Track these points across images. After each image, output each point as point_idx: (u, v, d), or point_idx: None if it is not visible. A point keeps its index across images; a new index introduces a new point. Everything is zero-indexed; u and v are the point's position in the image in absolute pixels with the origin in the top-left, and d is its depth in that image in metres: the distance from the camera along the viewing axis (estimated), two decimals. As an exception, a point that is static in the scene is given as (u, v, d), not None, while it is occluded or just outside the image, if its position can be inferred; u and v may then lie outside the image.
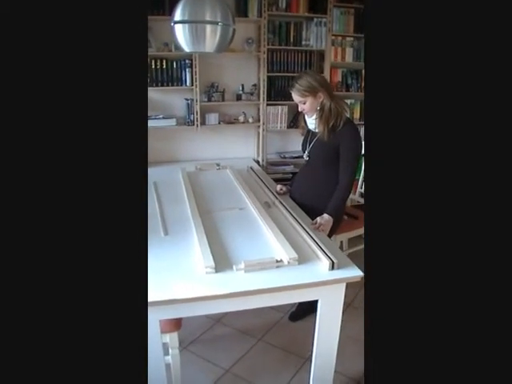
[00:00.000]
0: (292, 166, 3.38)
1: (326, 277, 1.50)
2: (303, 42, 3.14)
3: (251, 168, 2.92)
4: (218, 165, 2.97)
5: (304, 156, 2.22)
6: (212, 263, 1.51)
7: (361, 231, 2.56)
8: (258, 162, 3.35)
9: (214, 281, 1.45)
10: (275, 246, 1.70)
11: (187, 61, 2.96)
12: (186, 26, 1.56)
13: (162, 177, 2.77)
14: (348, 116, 2.08)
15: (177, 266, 1.55)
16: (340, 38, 3.16)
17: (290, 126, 3.36)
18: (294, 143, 3.44)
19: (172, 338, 1.70)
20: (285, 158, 3.41)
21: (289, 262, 1.56)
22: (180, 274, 1.49)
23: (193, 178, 2.68)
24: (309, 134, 2.21)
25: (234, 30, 1.66)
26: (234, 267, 1.51)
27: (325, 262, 1.55)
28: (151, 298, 1.25)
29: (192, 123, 3.12)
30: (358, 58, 3.24)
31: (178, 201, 2.26)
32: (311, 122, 2.13)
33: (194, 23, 1.55)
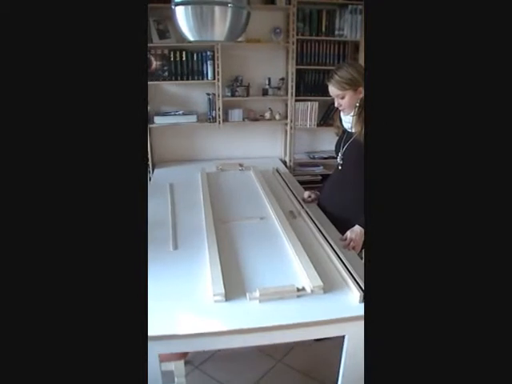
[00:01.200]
0: (322, 168, 3.13)
1: (355, 311, 1.26)
2: (336, 32, 2.86)
3: (277, 170, 2.69)
4: (240, 165, 2.76)
5: (338, 159, 1.95)
6: (222, 290, 1.29)
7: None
8: (284, 163, 3.12)
9: (223, 312, 1.24)
10: (297, 268, 1.47)
11: (209, 52, 2.74)
12: (190, 8, 1.27)
13: (179, 177, 2.58)
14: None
15: (182, 290, 1.35)
16: (378, 26, 2.85)
17: (320, 124, 3.10)
18: (325, 143, 3.19)
19: (177, 367, 1.51)
20: (314, 158, 3.15)
21: (312, 291, 1.33)
22: (185, 301, 1.29)
23: (212, 180, 2.49)
24: (344, 135, 1.94)
25: (249, 13, 1.35)
26: (248, 295, 1.29)
27: (355, 293, 1.31)
28: (149, 330, 1.05)
29: (214, 120, 2.92)
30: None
31: (194, 206, 2.07)
32: (347, 121, 1.86)
33: (199, 4, 1.25)
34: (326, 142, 3.22)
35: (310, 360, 2.01)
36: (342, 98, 1.77)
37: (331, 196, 2.00)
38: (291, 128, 3.05)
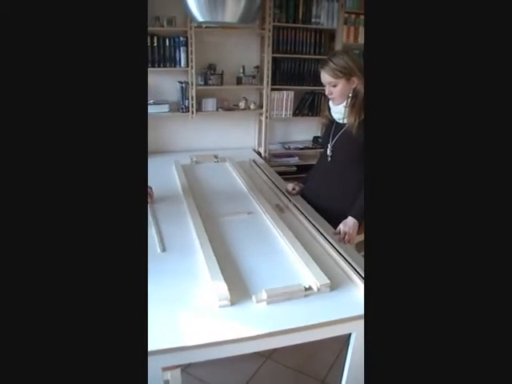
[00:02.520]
0: (297, 158, 3.08)
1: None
2: (313, 20, 2.81)
3: (254, 161, 2.62)
4: (216, 157, 2.66)
5: (327, 151, 1.90)
6: (227, 294, 1.21)
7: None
8: (259, 154, 3.04)
9: (230, 317, 1.17)
10: (300, 266, 1.41)
11: (182, 38, 2.60)
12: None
13: (152, 170, 2.42)
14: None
15: (181, 296, 1.25)
16: (353, 15, 2.83)
17: (295, 114, 3.04)
18: (300, 133, 3.15)
19: (173, 376, 1.42)
20: (289, 149, 3.10)
21: (319, 290, 1.28)
22: (186, 308, 1.20)
23: (189, 173, 2.36)
24: (332, 125, 1.89)
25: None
26: (254, 298, 1.22)
27: (361, 289, 1.28)
28: (151, 345, 0.95)
29: (187, 109, 2.79)
30: (372, 38, 2.90)
31: (174, 202, 1.95)
32: (338, 111, 1.81)
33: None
34: (302, 132, 3.19)
35: (300, 355, 1.97)
36: (334, 86, 1.72)
37: (319, 188, 1.96)
38: (266, 118, 2.98)
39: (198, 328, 1.12)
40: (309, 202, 1.96)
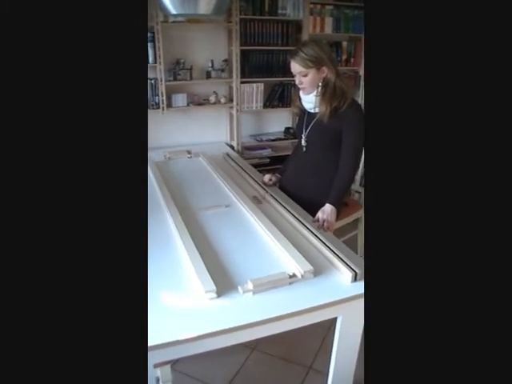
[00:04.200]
0: (270, 150, 3.10)
1: (349, 291, 1.26)
2: (279, 11, 2.81)
3: (227, 154, 2.61)
4: (189, 152, 2.64)
5: (302, 142, 1.92)
6: (213, 286, 1.22)
7: (351, 218, 2.32)
8: (231, 147, 3.03)
9: (219, 309, 1.17)
10: (281, 255, 1.43)
11: (149, 34, 2.55)
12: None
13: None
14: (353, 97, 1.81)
15: (167, 291, 1.25)
16: (319, 6, 2.86)
17: (266, 106, 3.05)
18: (272, 124, 3.17)
19: (164, 372, 1.41)
20: (261, 141, 3.11)
21: (303, 276, 1.30)
22: (173, 302, 1.20)
23: (163, 170, 2.34)
24: (304, 115, 1.91)
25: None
26: (240, 288, 1.23)
27: (346, 274, 1.31)
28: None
29: (157, 106, 2.75)
30: (337, 28, 2.96)
31: (152, 199, 1.92)
32: (309, 101, 1.83)
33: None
34: (273, 123, 3.20)
35: (284, 344, 1.99)
36: (305, 75, 1.73)
37: (296, 178, 1.98)
38: (237, 111, 2.97)
39: (187, 322, 1.12)
40: (286, 193, 1.98)
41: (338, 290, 1.26)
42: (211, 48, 2.86)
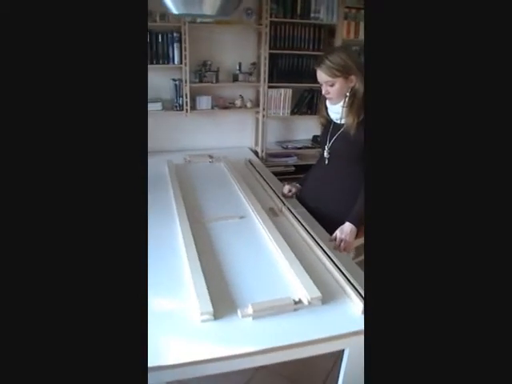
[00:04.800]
0: (295, 158, 2.99)
1: (358, 324, 1.14)
2: (312, 15, 2.69)
3: (250, 161, 2.53)
4: (210, 157, 2.57)
5: (324, 153, 1.80)
6: (210, 308, 1.13)
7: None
8: (256, 153, 2.95)
9: (213, 333, 1.08)
10: (290, 277, 1.32)
11: (175, 34, 2.50)
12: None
13: (145, 171, 2.35)
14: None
15: (162, 309, 1.17)
16: (354, 10, 2.72)
17: (293, 112, 2.94)
18: (299, 132, 3.06)
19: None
20: (287, 148, 3.00)
21: (310, 303, 1.19)
22: (167, 322, 1.11)
23: (181, 174, 2.29)
24: (330, 126, 1.79)
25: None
26: (239, 312, 1.13)
27: (356, 303, 1.19)
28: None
29: (180, 108, 2.70)
30: (373, 34, 2.79)
31: (164, 204, 1.86)
32: (335, 111, 1.71)
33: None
34: (300, 131, 3.09)
35: (293, 363, 1.88)
36: (332, 85, 1.62)
37: (316, 191, 1.87)
38: (263, 116, 2.88)
39: (176, 345, 1.04)
40: (305, 206, 1.87)
41: (346, 321, 1.15)
42: (239, 50, 2.78)
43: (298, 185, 2.02)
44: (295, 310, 1.18)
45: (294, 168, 2.97)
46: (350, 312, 1.18)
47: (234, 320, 1.13)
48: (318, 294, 1.20)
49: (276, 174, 2.78)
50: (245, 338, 1.07)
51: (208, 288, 1.21)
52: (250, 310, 1.13)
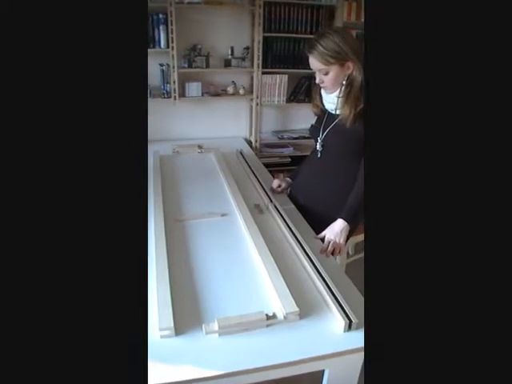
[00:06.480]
0: (292, 149, 2.84)
1: (339, 344, 1.01)
2: (310, -6, 2.51)
3: (240, 152, 2.38)
4: (200, 147, 2.43)
5: (317, 146, 1.64)
6: (170, 323, 1.00)
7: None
8: (249, 143, 2.79)
9: (172, 352, 0.96)
10: (267, 287, 1.18)
11: (161, 16, 2.34)
12: None
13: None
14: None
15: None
16: (355, -10, 2.54)
17: (289, 100, 2.78)
18: (295, 121, 2.91)
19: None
20: (283, 138, 2.85)
21: (285, 318, 1.06)
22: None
23: (166, 166, 2.16)
24: (324, 116, 1.63)
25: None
26: (204, 328, 1.00)
27: (338, 320, 1.05)
28: None
29: (168, 95, 2.55)
30: (376, 16, 2.60)
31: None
32: (330, 101, 1.54)
33: None
34: (297, 120, 2.94)
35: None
36: (326, 73, 1.44)
37: (307, 187, 1.71)
38: (257, 104, 2.72)
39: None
40: (295, 202, 1.73)
41: (326, 341, 1.01)
42: (232, 34, 2.62)
43: (289, 179, 1.87)
44: (268, 325, 1.04)
45: (289, 159, 2.84)
46: (331, 329, 1.04)
47: (197, 337, 1.00)
48: (295, 308, 1.07)
49: (271, 165, 2.65)
50: (208, 359, 0.94)
51: (173, 299, 1.08)
52: (215, 326, 1.00)
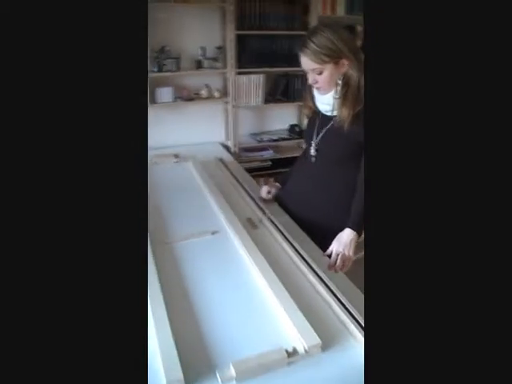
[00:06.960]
0: (272, 152, 2.73)
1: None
2: (282, -12, 2.41)
3: (221, 161, 2.24)
4: (176, 156, 2.27)
5: (311, 150, 1.52)
6: (179, 375, 0.86)
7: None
8: (227, 149, 2.66)
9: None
10: (279, 315, 1.06)
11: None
12: None
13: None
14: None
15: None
16: (329, -17, 2.46)
17: (267, 101, 2.67)
18: (274, 122, 2.81)
19: None
20: (262, 141, 2.74)
21: (307, 352, 0.94)
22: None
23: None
24: (318, 117, 1.51)
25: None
26: (219, 376, 0.87)
27: (361, 342, 0.96)
28: None
29: (138, 101, 2.36)
30: (351, 10, 2.53)
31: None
32: (325, 102, 1.42)
33: None
34: (275, 121, 2.84)
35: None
36: (320, 73, 1.33)
37: (300, 194, 1.59)
38: (233, 107, 2.60)
39: None
40: (287, 211, 1.61)
41: (355, 373, 0.90)
42: (202, 33, 2.47)
43: (277, 184, 1.74)
44: (289, 364, 0.92)
45: (270, 162, 2.73)
46: (359, 361, 0.93)
47: (212, 386, 0.87)
48: (316, 340, 0.95)
49: (251, 170, 2.52)
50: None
51: (176, 343, 0.94)
52: (232, 372, 0.88)
